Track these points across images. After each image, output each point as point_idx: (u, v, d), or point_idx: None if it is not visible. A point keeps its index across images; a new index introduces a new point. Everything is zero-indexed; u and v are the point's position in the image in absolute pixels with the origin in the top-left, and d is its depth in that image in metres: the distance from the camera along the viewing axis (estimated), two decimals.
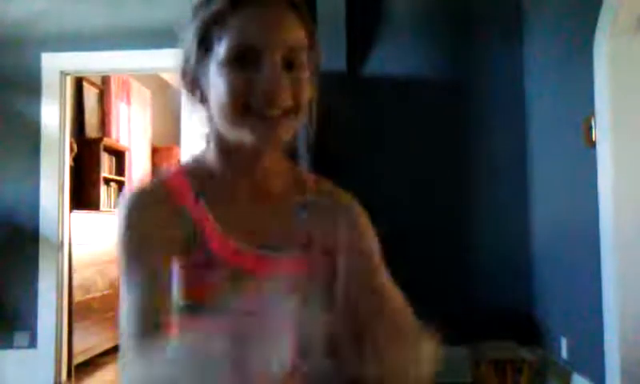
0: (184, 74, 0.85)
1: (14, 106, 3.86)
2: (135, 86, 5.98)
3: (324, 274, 0.81)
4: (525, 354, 3.19)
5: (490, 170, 3.76)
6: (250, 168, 0.85)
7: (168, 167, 0.90)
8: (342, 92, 3.73)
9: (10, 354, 3.72)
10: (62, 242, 3.85)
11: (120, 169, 5.44)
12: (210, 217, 0.82)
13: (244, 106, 0.77)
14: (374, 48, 3.82)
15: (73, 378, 3.89)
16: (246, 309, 0.67)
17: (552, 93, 3.35)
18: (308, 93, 0.81)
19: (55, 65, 3.86)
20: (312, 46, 0.82)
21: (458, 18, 3.86)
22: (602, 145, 2.65)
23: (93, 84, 5.10)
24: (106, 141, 5.07)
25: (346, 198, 0.92)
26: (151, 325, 0.72)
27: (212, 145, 0.87)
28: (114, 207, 5.27)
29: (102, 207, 4.84)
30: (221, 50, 0.78)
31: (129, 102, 5.82)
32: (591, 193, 2.75)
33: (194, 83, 0.84)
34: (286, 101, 0.77)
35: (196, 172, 0.86)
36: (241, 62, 0.77)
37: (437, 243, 3.72)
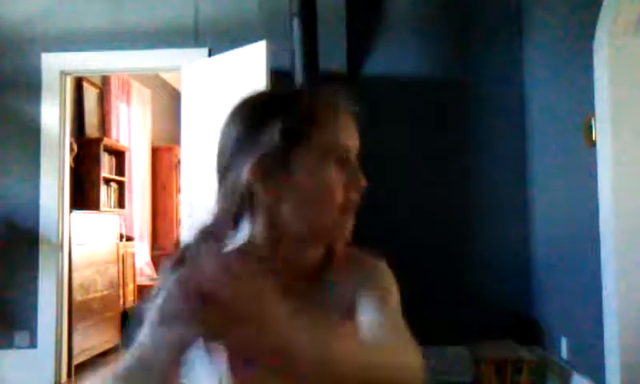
0: (263, 163, 0.83)
1: (14, 106, 3.87)
2: (135, 85, 5.99)
3: None
4: (525, 353, 3.19)
5: (490, 169, 3.76)
6: (303, 255, 0.88)
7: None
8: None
9: (10, 354, 3.72)
10: (62, 242, 3.85)
11: (120, 169, 5.44)
12: None
13: (345, 198, 0.84)
14: (374, 48, 3.82)
15: (73, 378, 3.89)
16: None
17: (552, 93, 3.35)
18: None
19: (55, 65, 3.86)
20: None
21: (458, 18, 3.86)
22: (602, 144, 2.65)
23: (93, 84, 5.10)
24: (106, 141, 5.07)
25: (372, 261, 0.93)
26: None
27: (257, 236, 0.86)
28: (114, 207, 5.27)
29: (101, 207, 4.84)
30: (317, 144, 0.83)
31: (129, 102, 5.82)
32: (591, 192, 2.75)
33: (274, 172, 0.83)
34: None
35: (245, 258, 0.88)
36: (338, 159, 0.84)
37: (437, 243, 3.72)
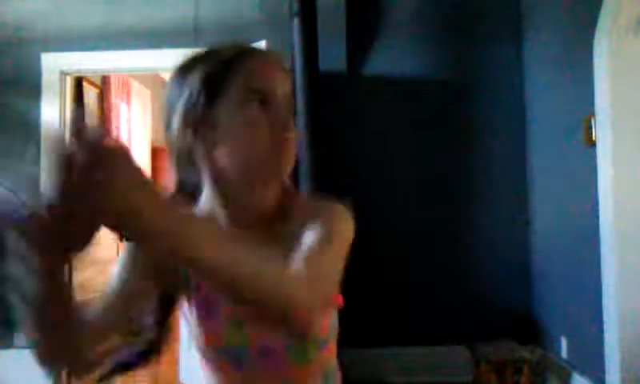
0: (187, 116, 0.87)
1: (14, 106, 3.86)
2: (135, 85, 5.98)
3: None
4: (525, 353, 3.19)
5: (490, 169, 3.76)
6: (248, 207, 0.91)
7: None
8: (341, 92, 3.73)
9: (10, 354, 3.72)
10: None
11: None
12: None
13: (271, 136, 0.86)
14: (374, 48, 3.82)
15: (73, 378, 3.89)
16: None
17: (552, 93, 3.35)
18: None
19: (55, 65, 3.86)
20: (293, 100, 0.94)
21: (458, 18, 3.86)
22: (602, 144, 2.65)
23: (93, 84, 5.10)
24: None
25: (327, 203, 0.91)
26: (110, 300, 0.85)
27: (208, 190, 0.91)
28: None
29: None
30: (236, 90, 0.86)
31: (129, 102, 5.82)
32: (591, 192, 2.75)
33: (201, 124, 0.87)
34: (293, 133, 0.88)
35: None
36: (261, 101, 0.86)
37: (436, 243, 3.72)
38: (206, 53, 0.90)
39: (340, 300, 1.01)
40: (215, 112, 0.86)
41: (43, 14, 3.88)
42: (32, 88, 3.84)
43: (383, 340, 3.59)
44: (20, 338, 3.74)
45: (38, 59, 3.85)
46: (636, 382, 2.51)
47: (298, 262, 0.75)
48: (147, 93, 6.35)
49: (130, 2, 3.86)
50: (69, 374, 3.88)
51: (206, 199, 0.92)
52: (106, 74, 5.01)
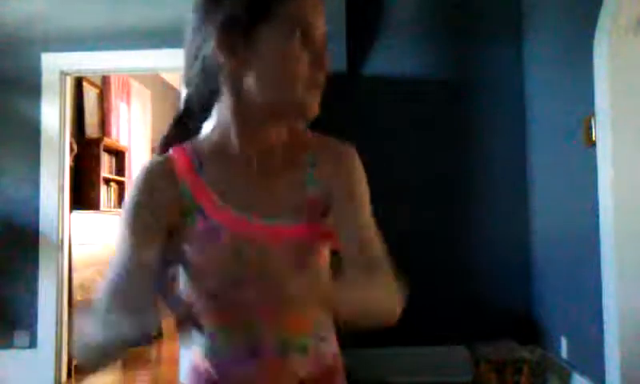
0: (228, 30, 0.85)
1: (14, 106, 3.86)
2: (135, 85, 5.99)
3: (324, 233, 0.93)
4: (525, 353, 3.19)
5: (490, 169, 3.76)
6: (265, 140, 0.91)
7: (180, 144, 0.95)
8: (342, 92, 3.73)
9: (10, 354, 3.72)
10: (62, 242, 3.85)
11: (120, 169, 5.44)
12: (209, 189, 0.89)
13: (307, 74, 0.85)
14: (374, 48, 3.82)
15: (73, 378, 3.89)
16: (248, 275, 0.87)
17: (552, 93, 3.35)
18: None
19: (55, 65, 3.86)
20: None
21: (458, 18, 3.86)
22: (602, 144, 2.65)
23: (93, 84, 5.10)
24: (106, 141, 5.07)
25: (344, 146, 0.97)
26: (126, 274, 0.86)
27: (225, 117, 0.90)
28: (114, 207, 5.27)
29: (101, 207, 4.84)
30: (283, 20, 0.84)
31: (129, 102, 5.82)
32: (591, 192, 2.75)
33: (240, 44, 0.85)
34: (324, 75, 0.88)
35: (200, 148, 0.92)
36: (304, 36, 0.85)
37: (437, 243, 3.73)
38: None
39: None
40: (257, 36, 0.84)
41: (43, 14, 3.88)
42: (32, 88, 3.84)
43: (383, 340, 3.59)
44: (20, 337, 3.74)
45: (38, 59, 3.85)
46: (636, 382, 2.51)
47: (371, 266, 0.92)
48: (147, 93, 6.35)
49: (130, 2, 3.86)
50: (69, 374, 3.88)
51: (219, 126, 0.91)
52: (105, 73, 5.01)
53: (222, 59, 0.85)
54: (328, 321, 0.98)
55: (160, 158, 0.92)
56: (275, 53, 0.84)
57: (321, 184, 0.92)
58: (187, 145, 0.93)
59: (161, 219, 0.88)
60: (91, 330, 0.84)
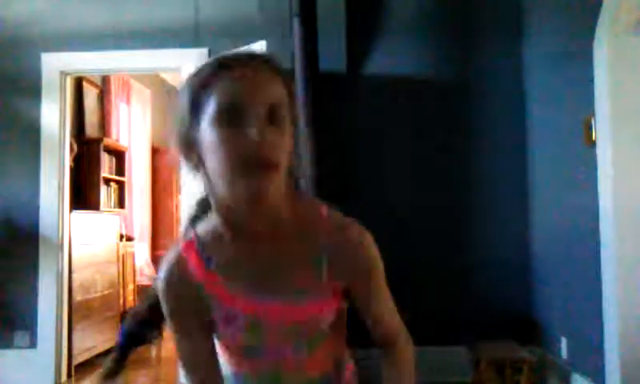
0: (179, 139, 0.90)
1: (14, 106, 3.86)
2: (135, 85, 5.99)
3: (335, 312, 1.00)
4: (525, 353, 3.19)
5: (490, 169, 3.76)
6: (251, 223, 0.92)
7: (184, 235, 1.02)
8: (341, 92, 3.73)
9: (10, 354, 3.72)
10: (62, 242, 3.85)
11: (120, 169, 5.44)
12: (221, 281, 0.96)
13: (237, 157, 0.83)
14: (374, 48, 3.82)
15: (73, 378, 3.89)
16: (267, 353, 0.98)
17: (552, 92, 3.35)
18: (289, 145, 0.89)
19: (55, 65, 3.86)
20: (292, 103, 0.91)
21: (458, 18, 3.86)
22: (602, 144, 2.65)
23: (93, 84, 5.10)
24: (106, 141, 5.07)
25: (355, 232, 0.99)
26: (194, 369, 1.01)
27: (213, 208, 0.94)
28: (114, 207, 5.27)
29: (101, 207, 4.84)
30: (210, 110, 0.85)
31: (129, 102, 5.82)
32: (591, 193, 2.75)
33: (190, 148, 0.89)
34: (272, 151, 0.84)
35: (205, 238, 0.97)
36: (229, 119, 0.84)
37: (437, 243, 3.72)
38: (195, 71, 0.91)
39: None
40: (199, 134, 0.87)
41: (43, 14, 3.88)
42: (32, 88, 3.84)
43: None
44: (20, 337, 3.74)
45: (38, 59, 3.85)
46: (636, 382, 2.51)
47: (388, 343, 1.12)
48: (147, 93, 6.35)
49: (130, 2, 3.86)
50: (69, 374, 3.88)
51: (212, 217, 0.96)
52: (105, 73, 5.02)
53: (188, 162, 0.91)
54: (343, 347, 1.11)
55: (174, 260, 0.97)
56: (210, 145, 0.85)
57: (334, 271, 0.96)
58: (194, 237, 0.98)
59: (196, 317, 0.97)
60: None
